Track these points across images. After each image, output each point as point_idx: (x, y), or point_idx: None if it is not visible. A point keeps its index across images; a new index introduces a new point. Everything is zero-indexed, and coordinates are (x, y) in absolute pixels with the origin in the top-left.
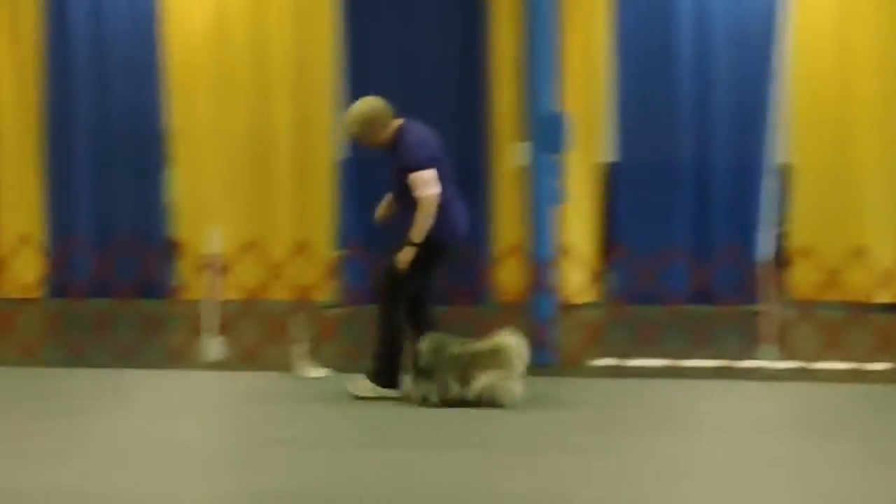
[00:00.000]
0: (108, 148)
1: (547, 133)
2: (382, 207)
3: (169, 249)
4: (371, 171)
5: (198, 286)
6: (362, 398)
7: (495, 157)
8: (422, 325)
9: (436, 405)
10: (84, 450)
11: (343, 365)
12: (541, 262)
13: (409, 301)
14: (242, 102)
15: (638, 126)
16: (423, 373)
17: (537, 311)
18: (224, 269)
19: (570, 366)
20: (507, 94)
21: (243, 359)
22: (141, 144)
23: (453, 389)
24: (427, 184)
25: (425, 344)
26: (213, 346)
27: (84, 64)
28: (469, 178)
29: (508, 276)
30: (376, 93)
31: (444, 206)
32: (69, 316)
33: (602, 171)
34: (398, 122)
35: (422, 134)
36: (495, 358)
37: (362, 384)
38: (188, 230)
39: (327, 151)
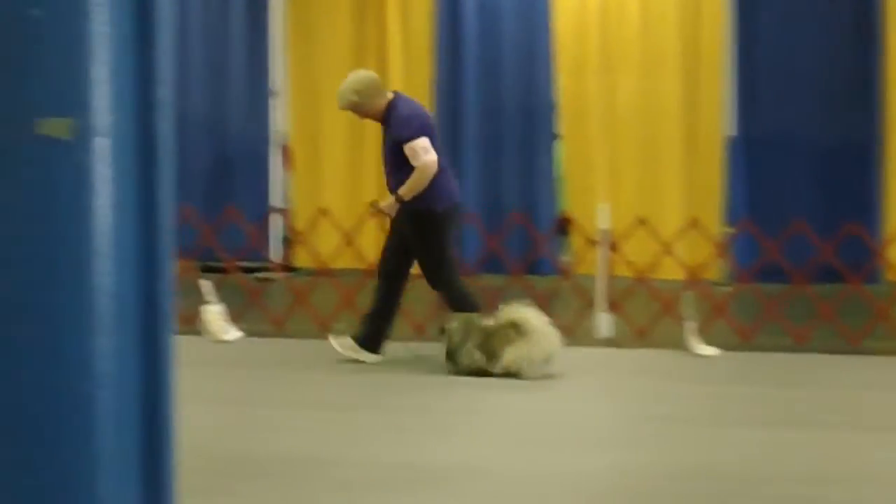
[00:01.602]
0: (496, 124)
1: None
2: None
3: (559, 225)
4: (760, 148)
5: (588, 262)
6: (344, 358)
7: (890, 133)
8: (455, 299)
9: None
10: (465, 424)
11: (733, 343)
12: None
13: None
14: (630, 77)
15: None
16: (452, 349)
17: None
18: (614, 246)
19: None
20: None
21: (634, 336)
22: (529, 120)
23: (479, 363)
24: (425, 150)
25: (453, 322)
26: (604, 323)
27: (473, 40)
28: (863, 153)
29: None
30: (768, 68)
31: (437, 177)
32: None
33: None
34: (390, 95)
35: (413, 106)
36: (518, 332)
37: (345, 343)
38: (578, 206)
39: (717, 127)
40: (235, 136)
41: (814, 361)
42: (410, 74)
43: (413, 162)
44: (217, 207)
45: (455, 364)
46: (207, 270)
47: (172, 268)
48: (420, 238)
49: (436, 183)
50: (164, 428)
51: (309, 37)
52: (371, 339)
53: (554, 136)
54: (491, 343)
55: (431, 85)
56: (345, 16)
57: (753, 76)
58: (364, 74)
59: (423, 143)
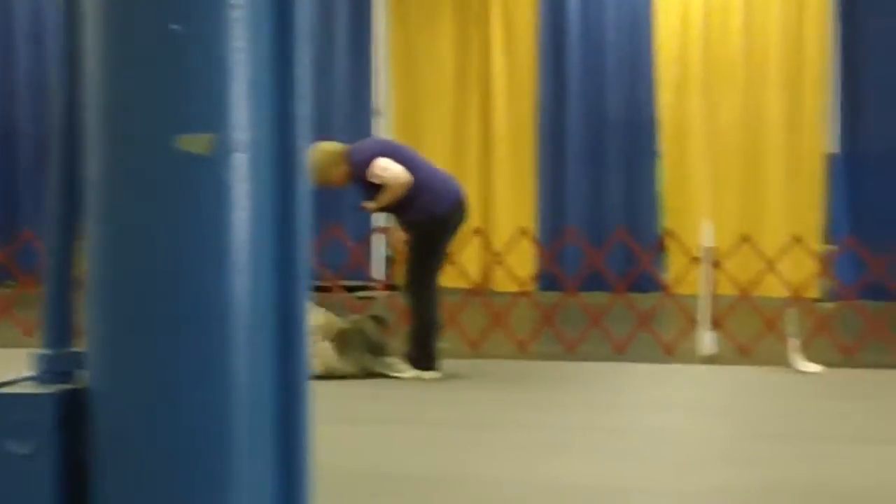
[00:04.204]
0: (598, 141)
1: None
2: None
3: (660, 242)
4: (864, 165)
5: (690, 280)
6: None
7: None
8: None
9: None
10: (585, 442)
11: (836, 360)
12: None
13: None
14: (732, 93)
15: None
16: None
17: None
18: (716, 263)
19: None
20: None
21: (736, 353)
22: (631, 137)
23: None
24: (384, 168)
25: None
26: (707, 341)
27: (575, 57)
28: None
29: None
30: (871, 84)
31: (424, 185)
32: (561, 309)
33: None
34: (346, 153)
35: (360, 145)
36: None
37: (403, 368)
38: (679, 223)
39: (819, 144)
40: None
41: None
42: (513, 93)
43: (383, 184)
44: (321, 226)
45: (348, 364)
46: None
47: (308, 283)
48: (416, 243)
49: (427, 190)
50: (299, 445)
51: (411, 56)
52: (426, 357)
53: (656, 153)
54: (380, 345)
55: (534, 102)
56: (447, 35)
57: (857, 92)
58: (318, 150)
59: (380, 163)
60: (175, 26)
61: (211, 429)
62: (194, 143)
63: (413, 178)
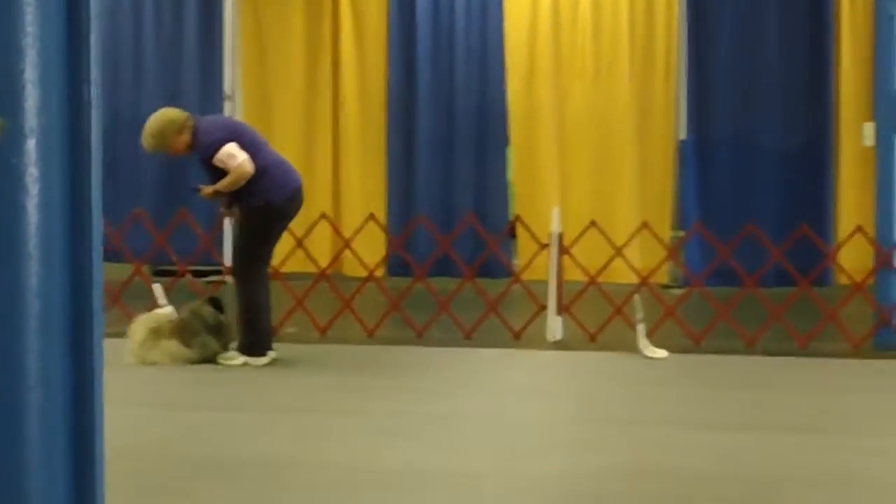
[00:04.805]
0: (449, 127)
1: (894, 112)
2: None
3: (510, 229)
4: (712, 152)
5: (539, 266)
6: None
7: (841, 138)
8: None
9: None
10: (430, 427)
11: (684, 346)
12: (886, 244)
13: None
14: (582, 81)
15: None
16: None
17: (882, 292)
18: (565, 249)
19: None
20: (854, 74)
21: (585, 339)
22: (482, 124)
23: (215, 348)
24: (231, 156)
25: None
26: (556, 326)
27: (426, 43)
28: (814, 158)
29: (852, 258)
30: (720, 72)
31: (264, 172)
32: (410, 295)
33: None
34: (191, 124)
35: (210, 123)
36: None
37: (232, 355)
38: (529, 210)
39: (669, 131)
40: None
41: (762, 364)
42: (363, 78)
43: (227, 170)
44: (170, 211)
45: (195, 351)
46: (160, 274)
47: (101, 268)
48: (248, 228)
49: (267, 177)
50: (92, 430)
51: (262, 41)
52: (255, 343)
53: (506, 140)
54: (219, 327)
55: (384, 88)
56: (298, 19)
57: (706, 80)
58: (161, 116)
59: (227, 149)
60: None
61: (4, 419)
62: None
63: (256, 165)
